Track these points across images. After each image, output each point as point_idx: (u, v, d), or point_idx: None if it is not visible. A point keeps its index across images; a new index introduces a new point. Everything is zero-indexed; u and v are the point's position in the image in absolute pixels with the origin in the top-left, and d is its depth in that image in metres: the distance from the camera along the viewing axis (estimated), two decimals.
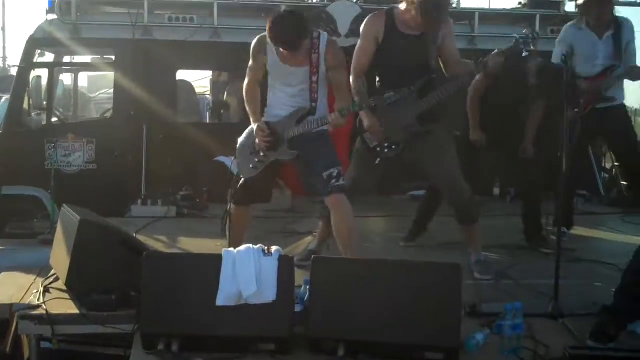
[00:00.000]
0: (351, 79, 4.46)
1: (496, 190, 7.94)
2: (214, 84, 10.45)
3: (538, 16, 8.64)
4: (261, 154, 4.29)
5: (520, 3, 9.16)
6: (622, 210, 7.30)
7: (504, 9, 9.23)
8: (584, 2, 5.77)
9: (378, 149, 4.56)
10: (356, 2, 8.25)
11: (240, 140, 4.48)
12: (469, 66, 4.53)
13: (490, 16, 8.92)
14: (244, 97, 4.41)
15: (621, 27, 5.70)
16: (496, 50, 4.50)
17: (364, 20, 4.73)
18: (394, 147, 4.53)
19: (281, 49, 4.09)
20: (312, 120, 4.23)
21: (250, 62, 4.36)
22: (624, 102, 6.07)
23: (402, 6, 4.54)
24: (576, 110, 5.60)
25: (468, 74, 4.62)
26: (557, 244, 4.25)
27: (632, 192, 6.72)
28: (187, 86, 9.68)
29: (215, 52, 8.14)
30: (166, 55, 7.89)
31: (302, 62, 4.18)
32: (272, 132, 4.25)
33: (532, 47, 4.67)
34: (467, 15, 8.68)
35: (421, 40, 4.48)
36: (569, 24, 6.15)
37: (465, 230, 4.81)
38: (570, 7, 8.99)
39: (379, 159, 4.59)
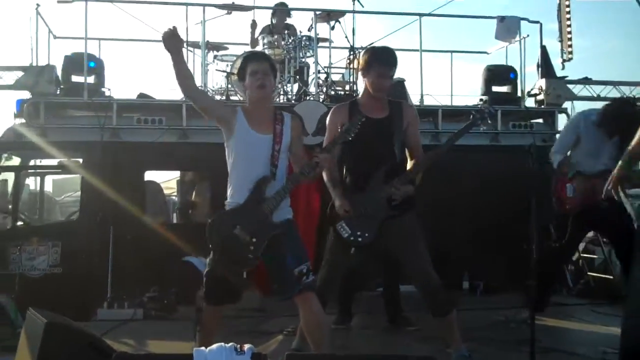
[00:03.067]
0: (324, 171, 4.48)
1: (465, 284, 7.96)
2: (182, 184, 10.50)
3: (499, 112, 8.91)
4: (254, 239, 4.11)
5: (481, 99, 9.45)
6: (590, 300, 7.37)
7: (466, 106, 9.50)
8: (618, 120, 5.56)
9: (352, 238, 4.54)
10: (322, 102, 8.44)
11: (218, 236, 4.16)
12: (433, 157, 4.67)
13: (453, 113, 9.17)
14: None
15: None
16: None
17: None
18: (367, 234, 4.52)
19: (256, 93, 4.23)
20: (281, 189, 4.16)
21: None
22: None
23: (362, 92, 4.75)
24: (568, 207, 5.71)
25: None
26: (531, 334, 4.27)
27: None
28: (155, 187, 9.70)
29: (183, 153, 8.22)
30: (134, 157, 7.96)
31: (267, 130, 4.23)
32: (246, 214, 4.13)
33: (488, 122, 4.77)
34: (431, 112, 8.93)
35: (385, 123, 4.62)
36: (582, 112, 6.08)
37: (441, 324, 4.75)
38: (530, 103, 9.34)
39: (353, 249, 4.57)
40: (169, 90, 11.10)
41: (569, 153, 5.90)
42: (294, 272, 4.08)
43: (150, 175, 9.39)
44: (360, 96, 4.80)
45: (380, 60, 4.61)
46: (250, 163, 4.21)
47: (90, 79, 8.31)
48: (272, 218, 4.16)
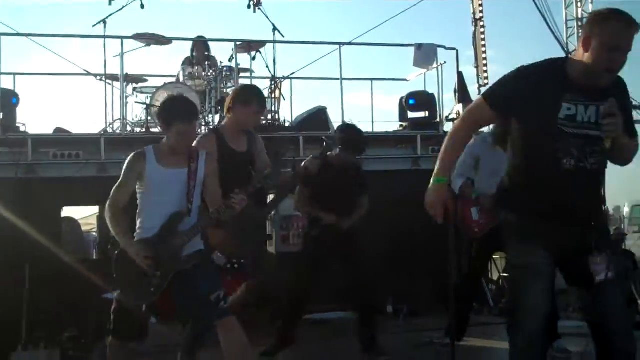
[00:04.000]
0: None
1: (389, 308, 7.97)
2: (101, 219, 10.25)
3: (419, 137, 9.06)
4: (157, 273, 4.04)
5: (401, 125, 9.60)
6: None
7: (386, 132, 9.62)
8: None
9: (228, 265, 4.55)
10: None
11: (123, 267, 4.12)
12: (287, 175, 5.00)
13: (373, 139, 9.25)
14: (110, 221, 4.16)
15: None
16: (311, 156, 4.85)
17: None
18: (242, 261, 4.55)
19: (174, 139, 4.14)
20: (193, 225, 4.12)
21: (121, 179, 4.19)
22: None
23: (228, 120, 4.94)
24: (476, 230, 5.74)
25: (288, 181, 5.01)
26: (452, 355, 4.31)
27: None
28: (73, 223, 9.47)
29: (102, 187, 8.01)
30: (50, 193, 7.76)
31: (181, 164, 4.17)
32: (159, 246, 4.06)
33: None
34: None
35: (246, 155, 4.85)
36: (479, 136, 6.14)
37: None
38: (448, 127, 9.50)
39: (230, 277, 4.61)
40: (86, 123, 10.88)
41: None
42: (210, 298, 4.02)
43: (68, 212, 9.19)
44: (224, 126, 4.97)
45: (260, 99, 4.95)
46: (163, 196, 4.14)
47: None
48: (182, 253, 4.11)
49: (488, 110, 3.29)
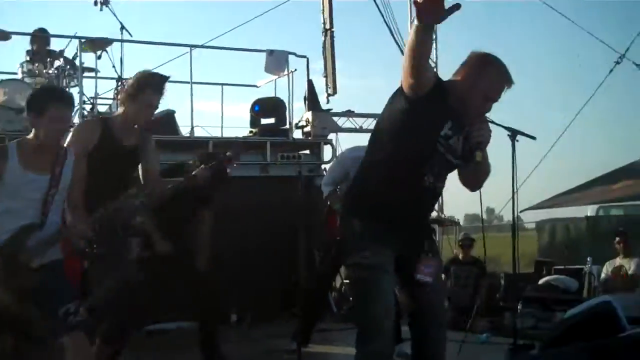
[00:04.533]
0: None
1: (233, 317, 7.86)
2: None
3: (268, 143, 9.07)
4: None
5: (251, 131, 9.59)
6: (354, 325, 7.52)
7: (235, 137, 9.55)
8: None
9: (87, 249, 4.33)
10: None
11: None
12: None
13: (224, 143, 9.16)
14: None
15: None
16: (202, 166, 4.70)
17: None
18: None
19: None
20: (46, 237, 3.87)
21: None
22: None
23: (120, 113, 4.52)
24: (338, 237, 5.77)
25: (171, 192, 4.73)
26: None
27: None
28: None
29: None
30: None
31: (44, 170, 3.88)
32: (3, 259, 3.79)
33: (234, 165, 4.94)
34: (202, 143, 8.87)
35: (133, 152, 4.52)
36: (349, 149, 6.28)
37: None
38: (297, 135, 9.60)
39: None
40: None
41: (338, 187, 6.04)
42: (58, 312, 3.78)
43: None
44: (115, 117, 4.57)
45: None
46: (17, 203, 3.86)
47: None
48: (30, 267, 3.84)
49: (431, 79, 3.12)
